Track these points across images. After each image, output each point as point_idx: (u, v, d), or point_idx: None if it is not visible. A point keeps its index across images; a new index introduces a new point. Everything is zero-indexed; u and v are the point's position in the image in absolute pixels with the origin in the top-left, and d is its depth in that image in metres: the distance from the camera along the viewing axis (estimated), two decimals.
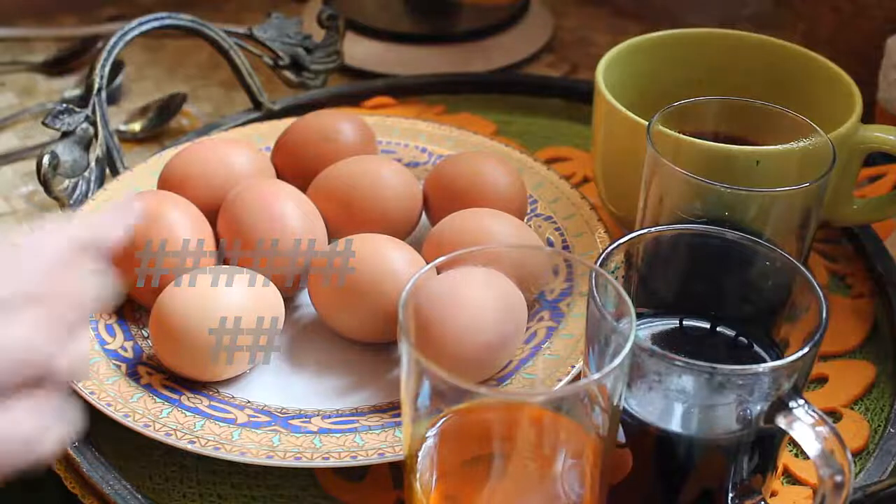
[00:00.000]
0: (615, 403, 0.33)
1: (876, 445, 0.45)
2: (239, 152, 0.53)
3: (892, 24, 0.64)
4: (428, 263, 0.35)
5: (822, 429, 0.34)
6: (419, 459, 0.35)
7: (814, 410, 0.34)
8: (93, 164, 0.57)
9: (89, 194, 0.56)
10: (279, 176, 0.54)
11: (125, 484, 0.42)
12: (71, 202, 0.55)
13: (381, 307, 0.46)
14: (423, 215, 0.54)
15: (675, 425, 0.36)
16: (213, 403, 0.44)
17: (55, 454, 0.31)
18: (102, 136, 0.57)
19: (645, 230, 0.40)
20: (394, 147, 0.59)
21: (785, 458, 0.45)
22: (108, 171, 0.58)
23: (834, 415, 0.48)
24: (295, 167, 0.55)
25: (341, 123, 0.55)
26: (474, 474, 0.36)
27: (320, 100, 0.67)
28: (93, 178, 0.56)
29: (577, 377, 0.44)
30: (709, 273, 0.40)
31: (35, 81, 0.76)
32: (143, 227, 0.47)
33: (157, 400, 0.43)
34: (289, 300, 0.50)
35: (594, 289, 0.35)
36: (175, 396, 0.44)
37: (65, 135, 0.56)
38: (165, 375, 0.45)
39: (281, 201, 0.49)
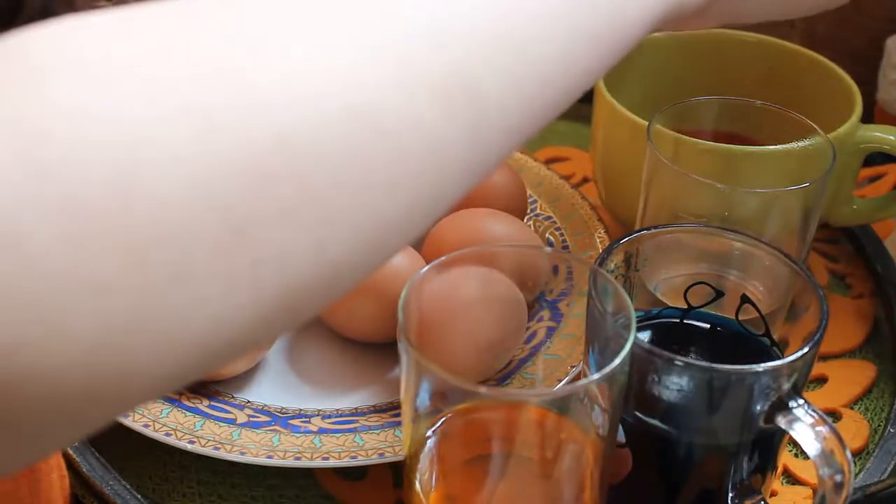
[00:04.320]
0: (615, 403, 0.33)
1: (876, 445, 0.45)
2: None
3: (892, 24, 0.64)
4: (428, 263, 0.35)
5: (822, 429, 0.33)
6: (419, 459, 0.35)
7: (814, 410, 0.34)
8: None
9: None
10: None
11: (125, 484, 0.42)
12: None
13: (381, 307, 0.45)
14: None
15: (675, 425, 0.36)
16: (213, 403, 0.44)
17: None
18: None
19: (645, 230, 0.39)
20: None
21: (785, 458, 0.45)
22: None
23: (834, 415, 0.48)
24: None
25: None
26: (474, 474, 0.36)
27: None
28: None
29: (577, 377, 0.43)
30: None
31: None
32: None
33: (157, 400, 0.43)
34: None
35: (594, 289, 0.35)
36: (175, 396, 0.44)
37: None
38: None
39: None
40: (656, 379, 0.35)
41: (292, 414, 0.44)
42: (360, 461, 0.41)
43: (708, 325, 0.40)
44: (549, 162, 0.61)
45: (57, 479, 0.39)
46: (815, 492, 0.34)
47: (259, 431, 0.42)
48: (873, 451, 0.45)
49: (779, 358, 0.35)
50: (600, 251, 0.48)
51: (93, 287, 0.19)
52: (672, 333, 0.40)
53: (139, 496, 0.42)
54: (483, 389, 0.33)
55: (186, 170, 0.20)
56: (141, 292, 0.20)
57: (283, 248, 0.22)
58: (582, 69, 0.29)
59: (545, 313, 0.48)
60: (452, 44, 0.25)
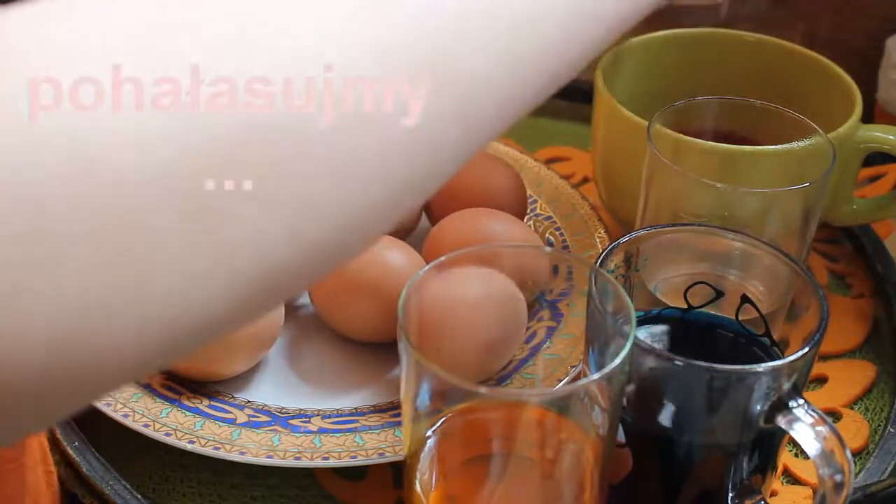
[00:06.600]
0: (615, 403, 0.33)
1: (876, 445, 0.45)
2: None
3: (892, 24, 0.64)
4: (428, 263, 0.35)
5: (822, 428, 0.33)
6: (419, 459, 0.35)
7: (814, 410, 0.34)
8: None
9: None
10: None
11: (125, 484, 0.42)
12: None
13: (381, 307, 0.45)
14: (423, 215, 0.54)
15: (675, 425, 0.36)
16: (213, 403, 0.44)
17: None
18: None
19: (645, 230, 0.39)
20: None
21: (785, 458, 0.45)
22: None
23: (834, 415, 0.48)
24: None
25: None
26: (474, 474, 0.36)
27: None
28: None
29: (577, 377, 0.43)
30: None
31: None
32: None
33: (157, 400, 0.43)
34: (288, 300, 0.50)
35: (594, 289, 0.35)
36: (175, 396, 0.44)
37: None
38: (165, 375, 0.45)
39: None
40: (656, 379, 0.35)
41: (292, 414, 0.44)
42: (360, 461, 0.41)
43: (708, 325, 0.40)
44: (549, 162, 0.61)
45: (43, 475, 0.39)
46: (815, 492, 0.34)
47: (259, 431, 0.42)
48: (873, 451, 0.45)
49: (779, 358, 0.35)
50: (600, 251, 0.48)
51: (54, 265, 0.19)
52: (672, 333, 0.40)
53: (139, 496, 0.42)
54: (483, 389, 0.33)
55: (153, 149, 0.20)
56: (104, 273, 0.20)
57: (255, 228, 0.22)
58: (582, 45, 0.29)
59: (545, 313, 0.48)
60: (444, 24, 0.25)
